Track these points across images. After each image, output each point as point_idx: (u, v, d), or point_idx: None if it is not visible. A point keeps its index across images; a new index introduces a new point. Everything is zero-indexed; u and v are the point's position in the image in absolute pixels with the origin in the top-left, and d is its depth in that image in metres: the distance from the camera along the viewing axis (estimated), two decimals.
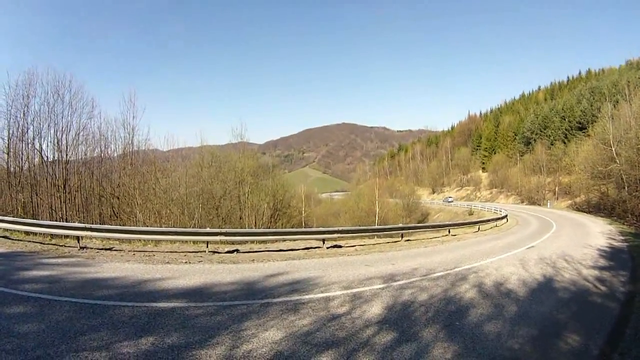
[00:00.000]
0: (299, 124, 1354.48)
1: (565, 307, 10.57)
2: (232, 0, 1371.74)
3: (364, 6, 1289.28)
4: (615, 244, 25.03)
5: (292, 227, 40.90)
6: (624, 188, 46.06)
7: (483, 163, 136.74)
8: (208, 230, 18.12)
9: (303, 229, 27.98)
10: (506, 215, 42.86)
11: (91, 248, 16.75)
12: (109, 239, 18.21)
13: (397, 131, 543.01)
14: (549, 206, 77.44)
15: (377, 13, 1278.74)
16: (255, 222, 39.14)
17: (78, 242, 16.90)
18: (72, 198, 30.93)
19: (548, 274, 14.52)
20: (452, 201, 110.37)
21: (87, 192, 32.18)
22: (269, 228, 36.40)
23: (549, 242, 24.83)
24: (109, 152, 35.58)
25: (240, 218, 38.12)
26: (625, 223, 39.82)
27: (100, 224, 26.10)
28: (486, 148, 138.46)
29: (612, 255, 20.37)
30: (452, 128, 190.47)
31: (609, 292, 12.47)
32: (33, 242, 17.58)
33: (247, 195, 39.75)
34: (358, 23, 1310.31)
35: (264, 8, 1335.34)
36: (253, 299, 9.73)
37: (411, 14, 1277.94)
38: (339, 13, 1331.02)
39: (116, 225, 25.64)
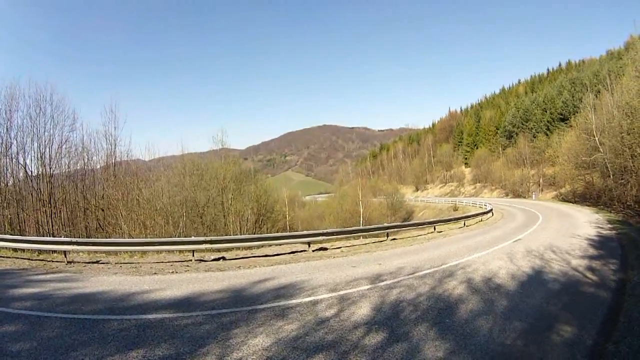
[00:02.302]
0: (280, 128, 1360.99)
1: (556, 299, 10.56)
2: (210, 5, 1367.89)
3: (341, 8, 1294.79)
4: (603, 232, 25.14)
5: (277, 232, 40.85)
6: (609, 176, 46.31)
7: (466, 158, 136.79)
8: (193, 238, 18.08)
9: (288, 234, 27.86)
10: (491, 210, 42.85)
11: (78, 262, 16.83)
12: (95, 252, 18.22)
13: (379, 131, 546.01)
14: (534, 198, 77.75)
15: (354, 15, 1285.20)
16: (240, 228, 39.00)
17: (65, 256, 16.92)
18: (58, 212, 30.64)
19: (537, 266, 14.53)
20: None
21: (72, 206, 31.86)
22: (254, 234, 36.24)
23: (536, 234, 24.87)
24: (92, 164, 35.29)
25: (225, 225, 37.98)
26: (612, 211, 40.10)
27: (86, 237, 25.96)
28: (468, 143, 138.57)
29: (601, 244, 20.43)
30: (433, 125, 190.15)
31: (600, 282, 12.50)
32: (21, 258, 17.70)
33: (230, 201, 39.63)
34: (335, 25, 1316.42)
35: (242, 14, 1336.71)
36: (241, 306, 9.74)
37: (388, 14, 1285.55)
38: (317, 16, 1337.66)
39: (102, 238, 25.66)
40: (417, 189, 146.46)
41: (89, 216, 32.21)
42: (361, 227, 41.04)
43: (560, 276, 13.05)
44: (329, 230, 22.29)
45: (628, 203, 40.21)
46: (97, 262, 16.94)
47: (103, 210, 32.07)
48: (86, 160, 34.59)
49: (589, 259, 16.17)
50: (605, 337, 7.99)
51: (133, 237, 26.37)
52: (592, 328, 8.47)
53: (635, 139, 36.83)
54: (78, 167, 34.10)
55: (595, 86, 62.72)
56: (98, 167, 35.71)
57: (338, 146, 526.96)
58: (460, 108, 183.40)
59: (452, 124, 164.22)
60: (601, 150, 48.02)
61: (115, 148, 35.00)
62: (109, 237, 26.41)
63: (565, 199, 63.59)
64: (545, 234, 24.62)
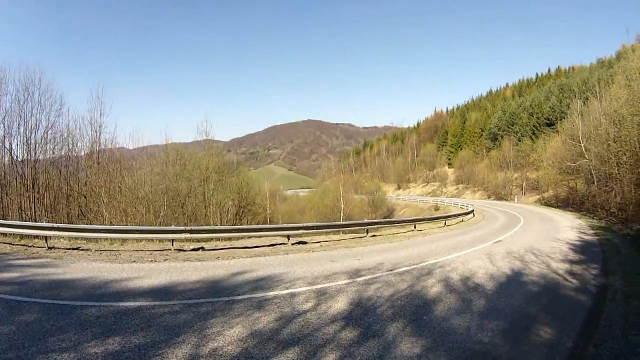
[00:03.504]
0: (265, 121, 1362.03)
1: (536, 300, 10.53)
2: None
3: (330, 4, 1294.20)
4: (586, 237, 25.28)
5: (257, 224, 40.77)
6: (594, 183, 46.71)
7: (449, 159, 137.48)
8: (173, 228, 18.10)
9: (268, 226, 27.94)
10: (472, 211, 43.05)
11: (59, 248, 16.83)
12: (76, 238, 18.25)
13: (363, 128, 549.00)
14: (516, 201, 78.22)
15: (343, 11, 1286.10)
16: (221, 220, 38.92)
17: (46, 242, 17.01)
18: (41, 198, 30.30)
19: (516, 268, 14.53)
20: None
21: (55, 192, 31.46)
22: (235, 225, 36.16)
23: (517, 236, 24.97)
24: (77, 150, 34.71)
25: (206, 215, 37.87)
26: (595, 217, 40.39)
27: (68, 223, 25.59)
28: (452, 144, 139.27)
29: (583, 248, 20.54)
30: (418, 124, 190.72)
31: (581, 285, 12.51)
32: (3, 243, 17.65)
33: (211, 192, 39.51)
34: (325, 21, 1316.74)
35: (231, 6, 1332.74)
36: (218, 296, 9.78)
37: (379, 11, 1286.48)
38: (306, 11, 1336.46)
39: (83, 224, 25.25)
40: (399, 188, 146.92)
41: (72, 203, 31.88)
42: (341, 222, 41.06)
43: (541, 278, 13.05)
44: (309, 224, 22.23)
45: (611, 210, 40.50)
46: (77, 248, 16.95)
47: (85, 197, 31.82)
48: (71, 146, 34.12)
49: (570, 262, 16.19)
50: (585, 340, 7.97)
51: (114, 225, 26.13)
52: (572, 330, 8.43)
53: (621, 147, 37.17)
54: (62, 153, 33.71)
55: (584, 93, 63.21)
56: (82, 153, 35.27)
57: (322, 142, 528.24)
58: (447, 108, 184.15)
59: (437, 124, 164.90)
60: (586, 156, 48.47)
61: (100, 135, 34.55)
62: (90, 224, 26.09)
63: (547, 204, 64.11)
64: (526, 236, 24.71)
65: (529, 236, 24.73)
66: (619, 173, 38.56)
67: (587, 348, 7.61)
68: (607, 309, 10.13)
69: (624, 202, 37.37)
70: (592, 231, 28.74)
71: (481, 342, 7.44)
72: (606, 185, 42.63)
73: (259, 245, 19.20)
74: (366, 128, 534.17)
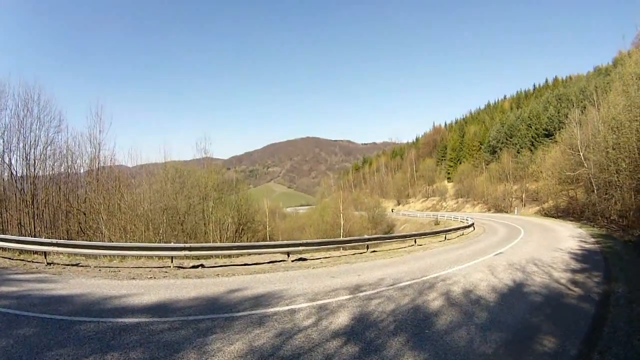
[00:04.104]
0: (263, 139, 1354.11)
1: (538, 311, 10.50)
2: (195, 13, 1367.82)
3: (324, 23, 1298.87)
4: (587, 246, 25.26)
5: (257, 242, 40.68)
6: (593, 191, 46.78)
7: (448, 173, 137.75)
8: (172, 245, 18.04)
9: (267, 243, 27.94)
10: (473, 224, 42.97)
11: (58, 264, 16.90)
12: (75, 254, 18.30)
13: (362, 144, 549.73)
14: (516, 213, 78.18)
15: (339, 28, 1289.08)
16: (220, 237, 38.82)
17: (45, 257, 17.08)
18: (40, 214, 30.39)
19: (518, 279, 14.48)
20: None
21: (54, 208, 31.56)
22: (234, 242, 36.09)
23: (518, 247, 24.85)
24: (76, 167, 34.90)
25: (205, 233, 37.84)
26: (596, 226, 40.42)
27: (67, 239, 25.61)
28: (451, 158, 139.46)
29: (584, 257, 20.52)
30: (417, 139, 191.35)
31: (584, 294, 12.47)
32: (2, 257, 18.01)
33: (211, 209, 39.52)
34: (321, 38, 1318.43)
35: (226, 24, 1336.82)
36: (218, 313, 9.71)
37: (373, 28, 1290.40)
38: (301, 28, 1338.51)
39: (83, 241, 25.24)
40: (398, 203, 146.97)
41: (71, 219, 31.93)
42: (341, 238, 41.00)
43: (543, 288, 13.00)
44: (309, 241, 22.28)
45: (612, 218, 40.56)
46: (76, 264, 17.04)
47: (85, 214, 31.81)
48: (70, 163, 34.28)
49: (572, 271, 16.18)
50: (589, 347, 7.94)
51: (113, 242, 26.11)
52: (576, 339, 8.40)
53: (620, 153, 37.18)
54: (62, 170, 33.82)
55: (582, 102, 63.58)
56: (82, 170, 35.44)
57: (321, 159, 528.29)
58: (445, 123, 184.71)
59: (436, 139, 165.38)
60: (585, 165, 48.65)
61: (99, 152, 34.77)
62: (90, 241, 26.07)
63: (547, 214, 64.02)
64: (527, 247, 24.62)
65: (530, 247, 24.66)
66: (618, 180, 38.59)
67: (591, 356, 7.58)
68: (610, 316, 10.13)
69: (625, 209, 37.41)
70: (593, 239, 28.76)
71: (484, 355, 7.40)
72: (606, 193, 42.66)
73: (258, 262, 19.14)
74: (365, 144, 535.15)
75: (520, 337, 8.46)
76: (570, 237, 30.11)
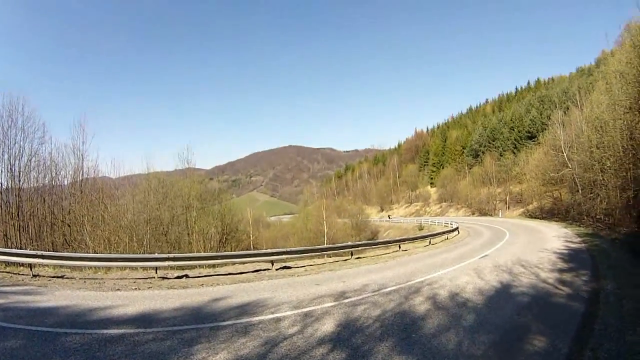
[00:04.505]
0: (246, 148, 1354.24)
1: (527, 311, 10.50)
2: (175, 21, 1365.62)
3: (305, 31, 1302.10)
4: (573, 245, 25.51)
5: (241, 251, 40.61)
6: (578, 191, 47.24)
7: (431, 178, 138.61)
8: (156, 255, 18.02)
9: (251, 252, 27.76)
10: (457, 228, 42.86)
11: (44, 276, 16.95)
12: (60, 266, 18.33)
13: (344, 152, 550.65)
14: (500, 216, 78.49)
15: (319, 36, 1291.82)
16: (204, 247, 38.70)
17: (31, 270, 17.17)
18: (26, 226, 30.31)
19: (505, 281, 14.50)
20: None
21: (39, 220, 31.43)
22: (218, 252, 36.01)
23: (503, 249, 24.98)
24: (60, 178, 34.68)
25: (189, 243, 37.72)
26: (582, 225, 40.96)
27: (53, 252, 25.49)
28: (434, 163, 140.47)
29: (571, 256, 20.67)
30: (399, 145, 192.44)
31: (572, 292, 12.52)
32: None
33: (194, 220, 39.45)
34: (300, 47, 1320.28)
35: (207, 31, 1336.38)
36: (203, 323, 9.68)
37: (353, 36, 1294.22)
38: (282, 37, 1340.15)
39: (68, 253, 25.14)
40: (382, 209, 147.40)
41: (56, 231, 31.77)
42: (325, 245, 40.93)
43: (530, 289, 13.02)
44: (293, 249, 22.14)
45: (598, 217, 40.99)
46: (62, 276, 17.05)
47: (69, 225, 31.64)
48: (54, 175, 34.10)
49: (560, 271, 16.25)
50: (581, 345, 7.93)
51: (97, 253, 25.95)
52: (566, 337, 8.40)
53: (605, 152, 37.56)
54: (46, 181, 33.61)
55: (564, 103, 64.22)
56: (65, 182, 35.23)
57: (303, 167, 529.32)
58: (427, 128, 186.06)
59: (418, 144, 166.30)
60: (569, 165, 49.20)
61: (82, 163, 34.65)
62: (75, 253, 25.97)
63: (532, 216, 64.55)
64: (512, 249, 24.71)
65: (516, 249, 24.75)
66: (603, 179, 38.92)
67: (583, 353, 7.57)
68: (601, 313, 10.17)
69: (610, 208, 37.77)
70: (579, 239, 29.08)
71: (473, 356, 7.36)
72: (591, 192, 43.02)
73: (243, 271, 19.08)
74: (347, 152, 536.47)
75: (509, 337, 8.43)
76: (556, 238, 30.34)
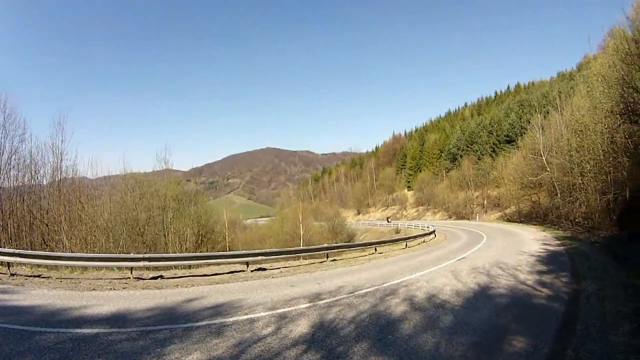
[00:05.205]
0: (224, 150, 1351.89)
1: (506, 311, 10.50)
2: (153, 21, 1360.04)
3: (282, 34, 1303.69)
4: (552, 248, 25.70)
5: (216, 252, 40.58)
6: (557, 195, 47.75)
7: (408, 182, 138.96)
8: (131, 255, 18.11)
9: (226, 253, 27.58)
10: (434, 231, 43.07)
11: (21, 275, 16.96)
12: (38, 265, 18.48)
13: (322, 154, 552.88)
14: (477, 219, 79.20)
15: (295, 38, 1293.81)
16: (180, 248, 38.58)
17: (9, 268, 17.13)
18: (5, 225, 29.96)
19: (483, 283, 14.47)
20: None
21: (18, 219, 31.13)
22: (193, 253, 35.92)
23: (480, 252, 25.03)
24: (39, 177, 34.31)
25: (165, 244, 37.60)
26: (560, 229, 41.44)
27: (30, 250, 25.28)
28: (411, 167, 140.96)
29: (550, 258, 20.83)
30: (377, 149, 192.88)
31: (552, 294, 12.54)
32: None
33: (170, 220, 39.29)
34: (277, 50, 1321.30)
35: (185, 33, 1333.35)
36: (176, 323, 9.63)
37: (331, 36, 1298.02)
38: (259, 41, 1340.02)
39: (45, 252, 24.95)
40: (359, 213, 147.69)
41: (35, 231, 31.57)
42: (301, 247, 40.84)
43: (509, 290, 13.02)
44: (268, 250, 22.05)
45: (577, 220, 41.48)
46: (38, 275, 17.07)
47: (47, 225, 31.48)
48: (33, 173, 33.75)
49: (539, 273, 16.32)
50: (562, 345, 7.91)
51: (74, 253, 25.75)
52: (547, 337, 8.39)
53: (584, 155, 38.03)
54: (25, 180, 33.33)
55: (544, 107, 64.82)
56: (44, 181, 34.87)
57: (281, 169, 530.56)
58: (405, 131, 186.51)
59: (396, 148, 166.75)
60: (548, 169, 49.71)
61: (61, 162, 34.07)
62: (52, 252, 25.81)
63: (510, 219, 65.36)
64: (490, 252, 24.81)
65: (493, 251, 24.85)
66: (582, 183, 39.39)
67: (565, 353, 7.54)
68: (582, 314, 10.19)
69: (590, 211, 38.26)
70: (558, 242, 29.32)
71: (451, 357, 7.30)
72: (570, 196, 43.52)
73: (218, 272, 19.02)
74: (325, 154, 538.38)
75: (488, 338, 8.39)
76: (534, 240, 30.58)
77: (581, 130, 38.99)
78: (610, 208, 34.01)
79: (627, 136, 30.61)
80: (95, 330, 8.81)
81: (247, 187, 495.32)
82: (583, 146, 38.36)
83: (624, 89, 27.71)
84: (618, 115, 30.53)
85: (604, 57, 35.83)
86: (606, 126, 33.65)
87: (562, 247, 25.66)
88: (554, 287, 13.41)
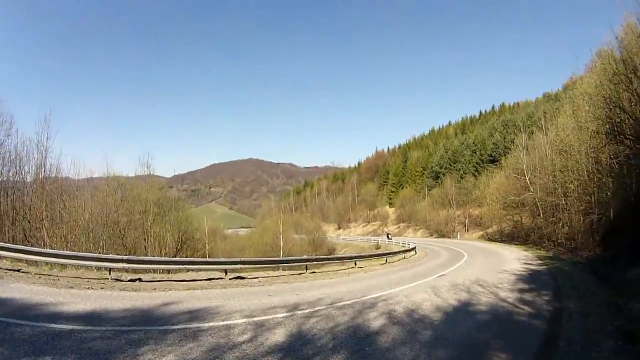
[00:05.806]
0: (207, 158, 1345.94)
1: (486, 328, 10.48)
2: (138, 27, 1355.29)
3: (267, 45, 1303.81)
4: (533, 267, 25.82)
5: (195, 258, 40.58)
6: (539, 215, 48.05)
7: (390, 198, 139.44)
8: (110, 256, 18.18)
9: (206, 260, 27.95)
10: (414, 248, 43.03)
11: (1, 268, 16.93)
12: (18, 260, 18.39)
13: (304, 168, 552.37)
14: (458, 238, 79.32)
15: (280, 48, 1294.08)
16: (160, 253, 38.59)
17: None
18: None
19: (463, 299, 14.48)
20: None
21: (1, 214, 31.05)
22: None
23: (461, 269, 25.07)
24: (23, 173, 34.18)
25: (145, 248, 37.57)
26: (542, 248, 41.68)
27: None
28: (394, 183, 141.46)
29: (532, 277, 20.92)
30: (359, 164, 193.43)
31: (533, 311, 12.56)
32: None
33: (150, 224, 39.23)
34: (262, 60, 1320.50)
35: (169, 37, 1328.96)
36: (152, 325, 9.60)
37: (314, 52, 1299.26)
38: (244, 50, 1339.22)
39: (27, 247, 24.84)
40: (339, 227, 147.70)
41: (17, 226, 31.50)
42: (280, 258, 40.84)
43: (489, 307, 13.03)
44: (247, 259, 22.38)
45: (559, 240, 41.80)
46: (18, 270, 17.02)
47: (29, 222, 31.40)
48: (17, 169, 33.63)
49: (520, 291, 16.35)
50: None
51: (53, 249, 25.71)
52: (529, 353, 8.37)
53: (568, 176, 38.39)
54: (10, 175, 33.19)
55: (529, 128, 65.30)
56: (28, 178, 34.75)
57: (263, 181, 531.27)
58: (388, 148, 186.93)
59: (379, 164, 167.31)
60: (531, 189, 50.00)
61: (45, 159, 34.02)
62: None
63: (491, 239, 65.44)
64: (471, 269, 24.84)
65: (474, 269, 24.88)
66: (566, 203, 39.73)
67: None
68: (565, 330, 10.21)
69: (572, 232, 38.59)
70: (539, 261, 29.49)
71: None
72: (553, 216, 43.87)
73: (196, 279, 18.95)
74: (307, 168, 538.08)
75: (468, 353, 8.35)
76: (515, 260, 30.72)
77: (566, 151, 39.36)
78: (593, 228, 34.22)
79: (612, 156, 30.82)
80: (70, 327, 8.76)
81: (229, 196, 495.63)
82: (567, 166, 38.69)
83: (611, 108, 27.94)
84: (604, 135, 30.73)
85: (590, 77, 36.10)
86: (591, 146, 33.91)
87: (544, 267, 25.79)
88: (536, 305, 13.42)
